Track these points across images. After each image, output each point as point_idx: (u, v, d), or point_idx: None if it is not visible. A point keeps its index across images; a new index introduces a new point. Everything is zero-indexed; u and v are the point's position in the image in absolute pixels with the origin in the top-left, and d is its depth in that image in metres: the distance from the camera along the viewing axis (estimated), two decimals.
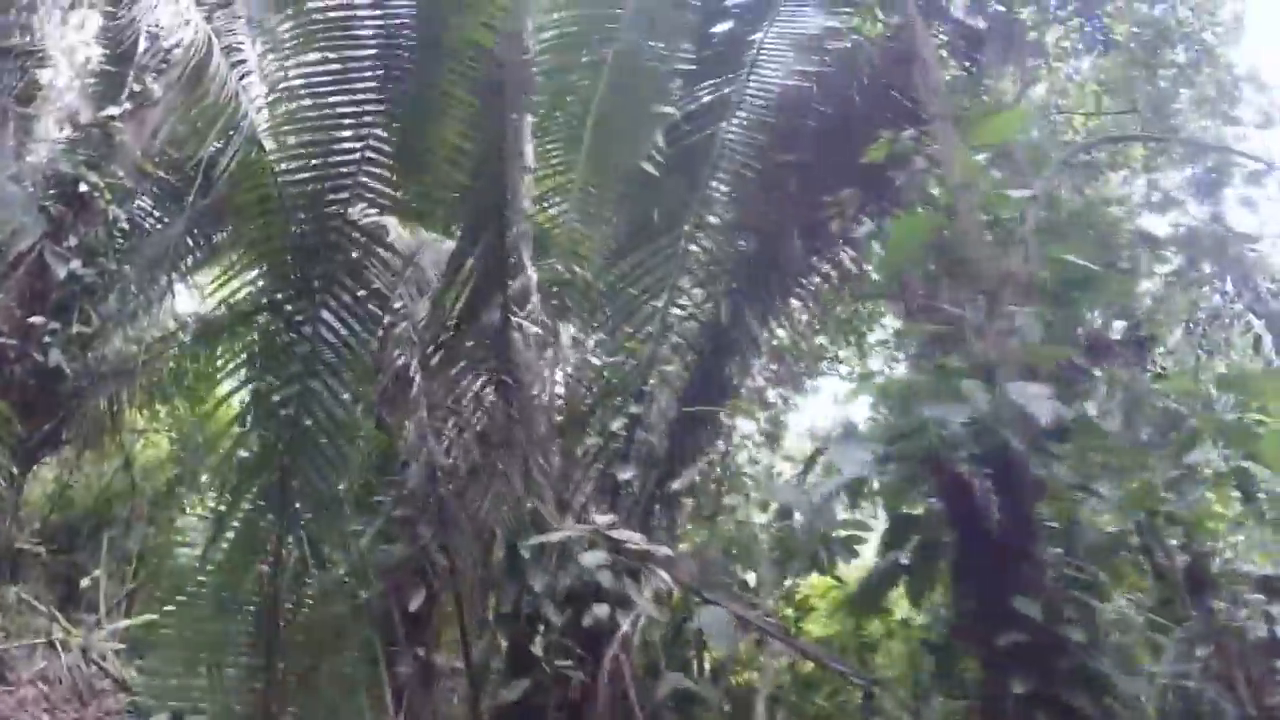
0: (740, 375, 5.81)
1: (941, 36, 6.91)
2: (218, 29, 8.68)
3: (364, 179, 4.28)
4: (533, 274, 4.66)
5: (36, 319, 8.33)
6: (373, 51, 4.30)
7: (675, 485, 4.96)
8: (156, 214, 9.72)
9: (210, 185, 9.66)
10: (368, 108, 4.27)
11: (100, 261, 8.83)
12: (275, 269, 4.49)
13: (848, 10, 6.04)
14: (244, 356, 4.49)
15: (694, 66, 6.29)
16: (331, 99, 4.35)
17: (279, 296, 4.40)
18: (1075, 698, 3.07)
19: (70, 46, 9.26)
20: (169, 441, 10.00)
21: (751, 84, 5.82)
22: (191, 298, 11.11)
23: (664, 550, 4.06)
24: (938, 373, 3.90)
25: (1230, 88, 7.10)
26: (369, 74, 4.28)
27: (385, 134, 4.25)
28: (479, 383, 4.81)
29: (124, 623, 7.60)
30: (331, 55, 4.36)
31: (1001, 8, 7.26)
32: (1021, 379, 3.79)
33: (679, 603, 4.50)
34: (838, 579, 6.13)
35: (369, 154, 4.27)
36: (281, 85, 4.60)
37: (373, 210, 4.33)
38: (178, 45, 9.01)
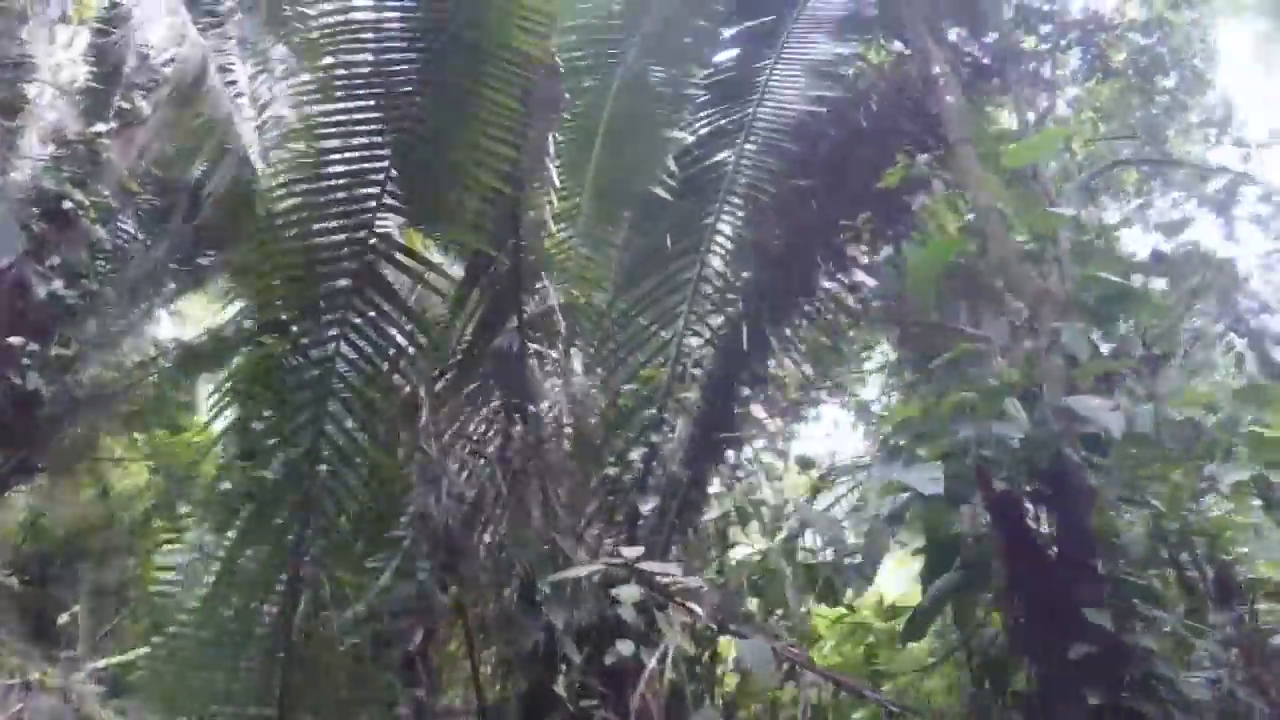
0: (749, 404, 5.70)
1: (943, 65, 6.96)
2: (211, 48, 8.57)
3: (385, 192, 4.08)
4: (554, 297, 4.53)
5: (15, 339, 8.04)
6: (397, 56, 4.09)
7: (705, 517, 4.83)
8: (139, 236, 9.50)
9: (197, 208, 9.53)
10: (392, 113, 4.07)
11: (83, 283, 8.58)
12: (281, 290, 4.28)
13: (856, 38, 6.02)
14: (249, 383, 4.22)
15: (704, 92, 6.27)
16: (351, 105, 4.15)
17: (286, 318, 4.19)
18: (1143, 705, 3.06)
19: (58, 64, 9.06)
20: (148, 471, 9.67)
21: (764, 109, 5.78)
22: (174, 323, 10.87)
23: (697, 582, 3.93)
24: (975, 392, 3.89)
25: (1224, 112, 7.25)
26: (393, 79, 4.07)
27: (407, 144, 4.05)
28: (494, 409, 4.66)
29: (104, 662, 7.25)
30: (354, 58, 4.16)
31: (996, 35, 7.32)
32: (1056, 392, 3.80)
33: (702, 637, 4.35)
34: (850, 608, 6.04)
35: (391, 166, 4.07)
36: (295, 93, 4.35)
37: (387, 225, 4.15)
38: (171, 61, 8.91)
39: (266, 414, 4.13)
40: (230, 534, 4.27)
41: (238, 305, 8.65)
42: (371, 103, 4.09)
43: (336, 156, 4.21)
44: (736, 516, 5.24)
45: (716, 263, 5.53)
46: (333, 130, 4.19)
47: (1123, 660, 3.24)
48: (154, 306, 9.83)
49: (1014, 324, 4.71)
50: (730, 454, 5.48)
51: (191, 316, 10.74)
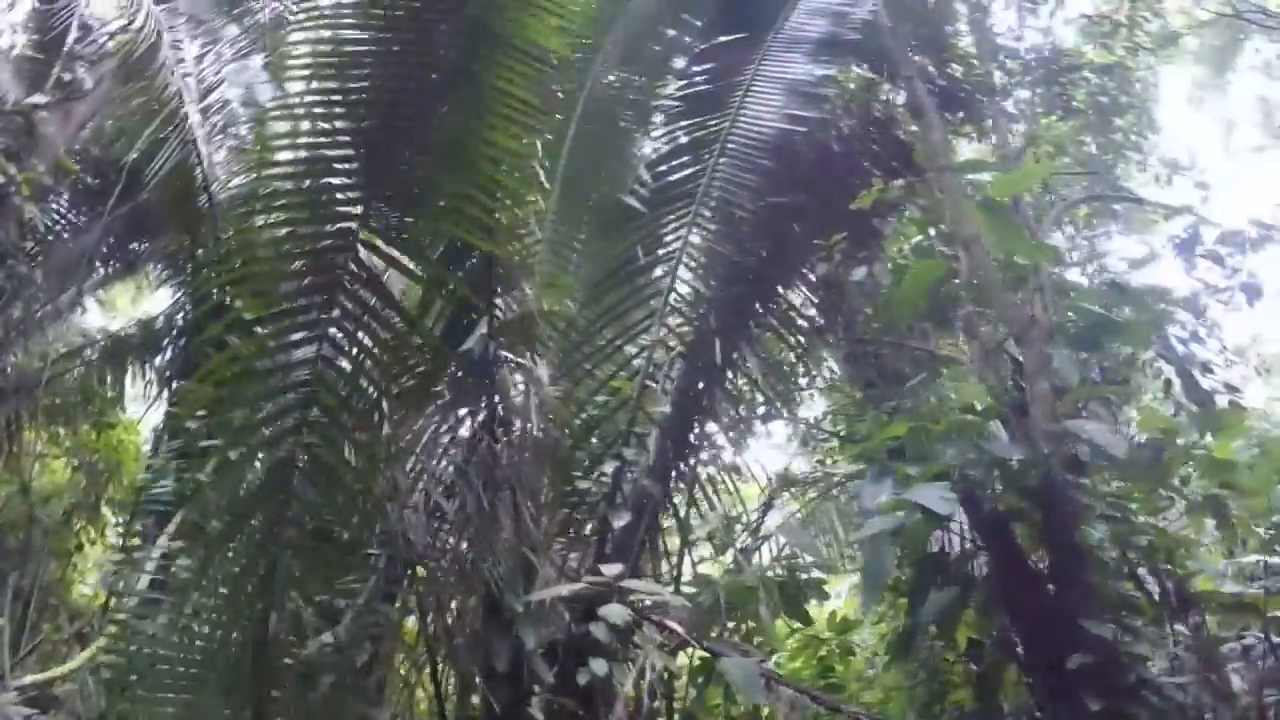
0: (712, 418, 5.67)
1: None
2: (163, 23, 8.20)
3: (374, 180, 3.85)
4: (531, 303, 4.41)
5: None
6: (396, 35, 3.84)
7: (669, 531, 4.76)
8: (71, 218, 9.01)
9: (133, 191, 9.09)
10: (387, 95, 3.81)
11: (9, 264, 8.06)
12: (258, 283, 4.02)
13: (833, 61, 6.06)
14: (216, 387, 3.93)
15: (678, 103, 6.24)
16: (341, 84, 3.89)
17: (260, 315, 3.95)
18: (1137, 709, 3.30)
19: None
20: (71, 468, 9.14)
21: (739, 124, 5.76)
22: (101, 312, 10.34)
23: (679, 601, 3.85)
24: (952, 414, 3.99)
25: (1186, 154, 7.57)
26: (390, 59, 3.83)
27: (401, 130, 3.82)
28: (460, 416, 4.51)
29: (30, 679, 6.76)
30: (349, 34, 3.90)
31: (960, 69, 7.49)
32: (1045, 415, 3.95)
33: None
34: (805, 620, 6.05)
35: (380, 153, 3.83)
36: (279, 67, 4.07)
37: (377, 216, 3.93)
38: (122, 31, 8.48)
39: (237, 420, 3.85)
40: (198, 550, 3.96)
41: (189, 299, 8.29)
42: (365, 83, 3.86)
43: (321, 139, 3.96)
44: (701, 531, 5.20)
45: (686, 275, 5.48)
46: (319, 111, 3.94)
47: (1117, 668, 3.37)
48: (83, 293, 9.33)
49: (986, 348, 4.83)
50: (694, 468, 5.44)
51: (118, 306, 10.24)
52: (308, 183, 4.13)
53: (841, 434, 7.28)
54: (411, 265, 4.40)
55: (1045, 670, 3.68)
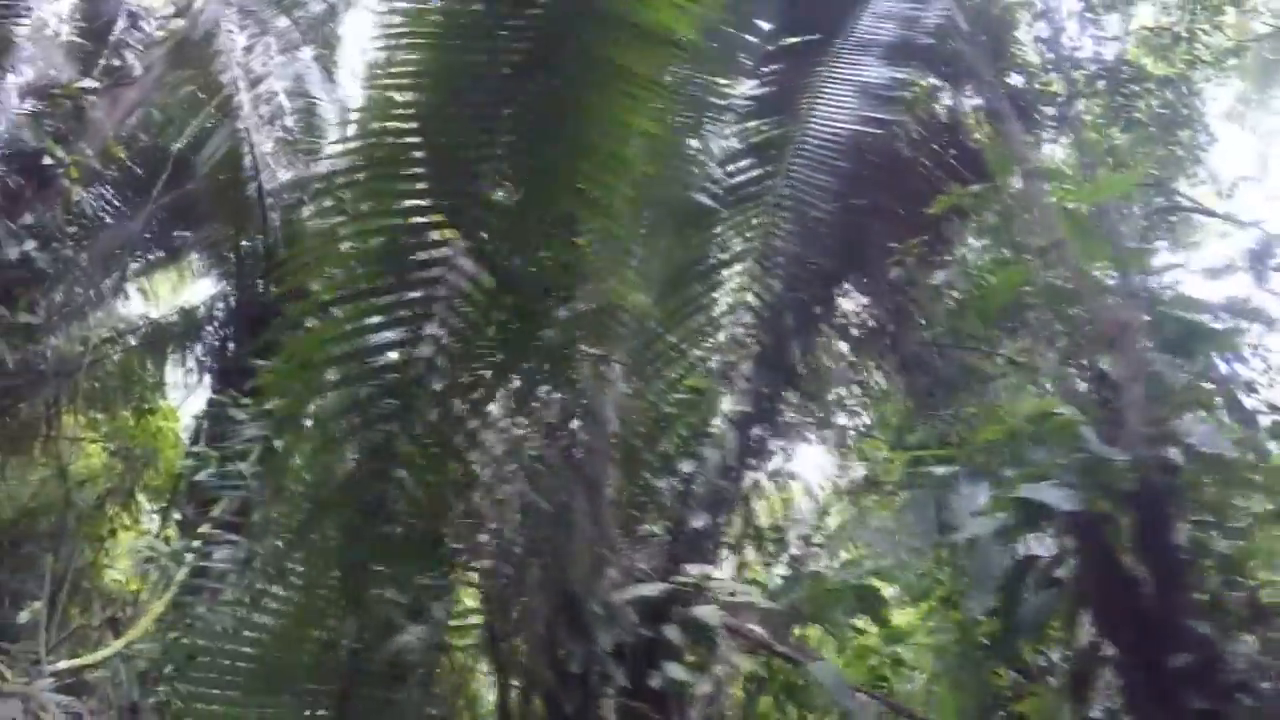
0: (777, 420, 5.60)
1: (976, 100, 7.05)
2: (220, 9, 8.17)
3: (493, 155, 3.69)
4: (609, 294, 4.33)
5: None
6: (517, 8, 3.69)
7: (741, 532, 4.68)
8: (117, 203, 8.97)
9: (178, 179, 9.06)
10: (509, 69, 3.61)
11: (54, 246, 8.01)
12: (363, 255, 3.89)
13: (906, 65, 6.01)
14: (305, 368, 3.80)
15: (749, 103, 6.18)
16: (458, 57, 3.73)
17: (362, 289, 3.84)
18: (1234, 709, 3.26)
19: (42, 19, 8.53)
20: (106, 453, 9.08)
21: (813, 125, 5.70)
22: (141, 300, 10.29)
23: (767, 603, 3.77)
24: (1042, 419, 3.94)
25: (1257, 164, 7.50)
26: (509, 31, 3.68)
27: (526, 104, 3.62)
28: (538, 410, 4.43)
29: (64, 664, 6.68)
30: (466, 6, 3.77)
31: (1021, 79, 7.44)
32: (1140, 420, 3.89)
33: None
34: (884, 624, 5.96)
35: (503, 127, 3.66)
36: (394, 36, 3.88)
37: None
38: (177, 15, 8.46)
39: (332, 403, 3.75)
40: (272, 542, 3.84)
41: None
42: (484, 57, 3.70)
43: (443, 112, 3.82)
44: (770, 532, 5.13)
45: (759, 274, 5.41)
46: (431, 82, 3.81)
47: (1217, 668, 3.36)
48: (126, 279, 9.29)
49: (1065, 355, 4.78)
50: (758, 470, 5.37)
51: (160, 294, 10.19)
52: (443, 155, 3.97)
53: (890, 441, 7.21)
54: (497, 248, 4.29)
55: (1143, 671, 3.61)
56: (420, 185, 4.16)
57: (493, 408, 4.52)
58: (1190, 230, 8.52)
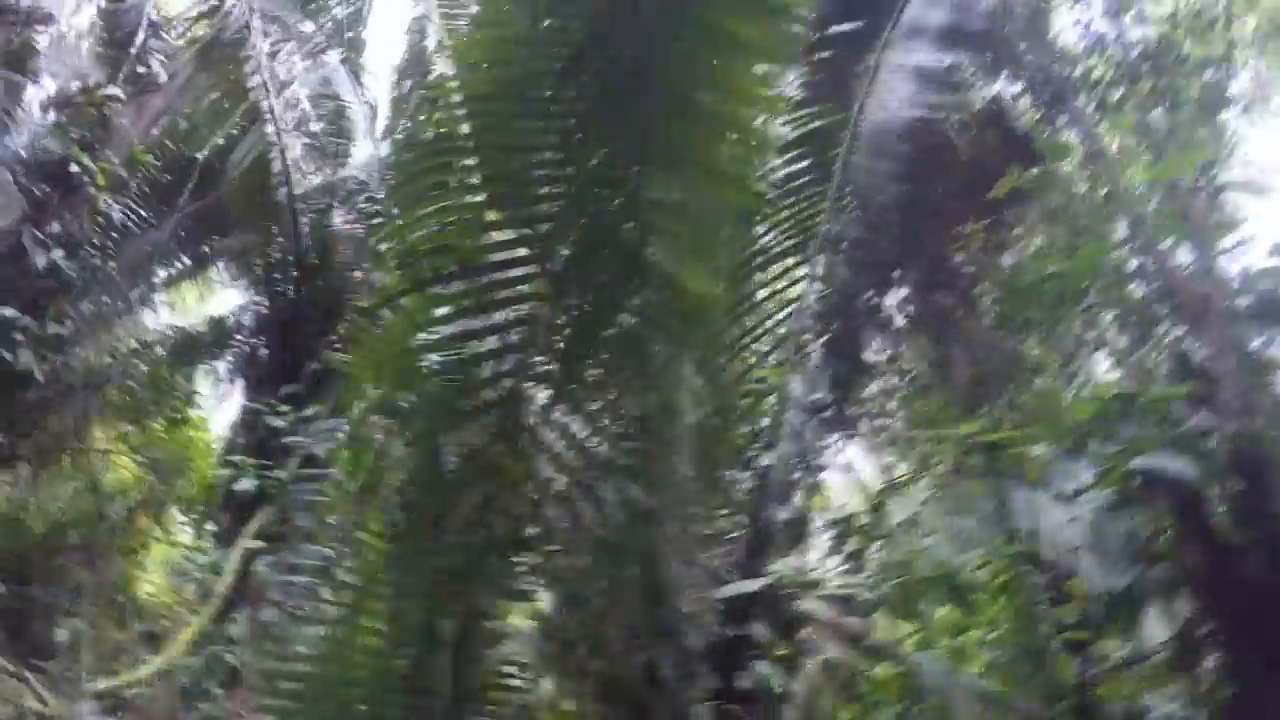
0: (844, 412, 5.50)
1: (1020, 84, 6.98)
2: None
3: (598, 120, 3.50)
4: (683, 281, 4.19)
5: (8, 311, 7.29)
6: None
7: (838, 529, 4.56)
8: (144, 212, 8.84)
9: (205, 187, 8.95)
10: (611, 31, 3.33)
11: (82, 255, 7.88)
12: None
13: (955, 50, 5.93)
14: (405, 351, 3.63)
15: (801, 90, 6.09)
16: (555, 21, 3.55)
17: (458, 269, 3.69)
18: None
19: (64, 29, 8.43)
20: (137, 465, 8.93)
21: (868, 111, 5.61)
22: (168, 310, 10.14)
23: (866, 595, 3.66)
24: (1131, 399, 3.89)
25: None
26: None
27: (626, 69, 3.37)
28: (615, 403, 4.31)
29: (105, 684, 6.50)
30: None
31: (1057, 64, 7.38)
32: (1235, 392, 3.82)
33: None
34: (972, 613, 5.84)
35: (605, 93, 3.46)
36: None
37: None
38: (206, 16, 8.34)
39: (434, 392, 3.59)
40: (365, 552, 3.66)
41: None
42: (578, 23, 3.44)
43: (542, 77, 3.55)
44: (842, 524, 5.01)
45: (823, 262, 5.31)
46: (528, 48, 3.57)
47: None
48: (153, 289, 9.16)
49: (1141, 332, 4.72)
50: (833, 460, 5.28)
51: (187, 304, 10.06)
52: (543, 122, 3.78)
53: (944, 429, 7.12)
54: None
55: (1253, 645, 3.53)
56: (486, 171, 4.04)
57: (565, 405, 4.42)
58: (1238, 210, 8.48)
